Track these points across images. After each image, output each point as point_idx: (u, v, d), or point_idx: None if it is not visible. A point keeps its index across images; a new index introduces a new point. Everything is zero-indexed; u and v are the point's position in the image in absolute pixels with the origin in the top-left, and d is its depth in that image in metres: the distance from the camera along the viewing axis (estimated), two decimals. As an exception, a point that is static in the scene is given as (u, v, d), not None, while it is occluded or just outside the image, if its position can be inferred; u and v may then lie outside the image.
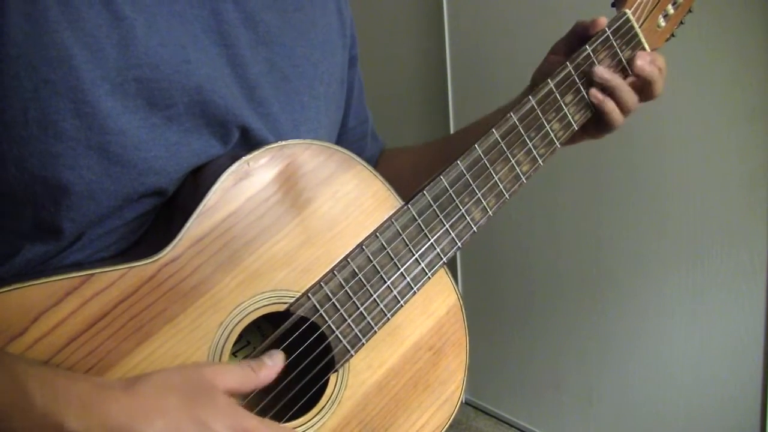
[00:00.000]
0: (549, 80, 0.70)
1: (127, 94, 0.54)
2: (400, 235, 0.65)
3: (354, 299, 0.63)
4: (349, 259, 0.62)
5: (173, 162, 0.57)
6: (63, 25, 0.51)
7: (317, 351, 0.62)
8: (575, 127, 0.73)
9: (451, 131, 1.90)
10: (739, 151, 1.34)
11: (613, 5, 0.76)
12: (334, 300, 0.62)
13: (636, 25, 0.74)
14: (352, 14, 0.80)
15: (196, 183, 0.58)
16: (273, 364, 0.57)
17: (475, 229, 0.68)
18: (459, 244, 0.68)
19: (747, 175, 1.33)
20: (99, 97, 0.53)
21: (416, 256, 0.66)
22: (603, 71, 0.72)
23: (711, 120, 1.35)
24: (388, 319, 0.65)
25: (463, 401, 2.06)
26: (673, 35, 0.79)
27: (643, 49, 0.76)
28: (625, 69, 0.74)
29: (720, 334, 1.44)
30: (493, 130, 0.68)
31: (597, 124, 0.75)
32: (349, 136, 0.83)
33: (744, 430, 1.44)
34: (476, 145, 0.67)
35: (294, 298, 0.60)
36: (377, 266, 0.64)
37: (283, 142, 0.59)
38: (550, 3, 1.56)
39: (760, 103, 1.28)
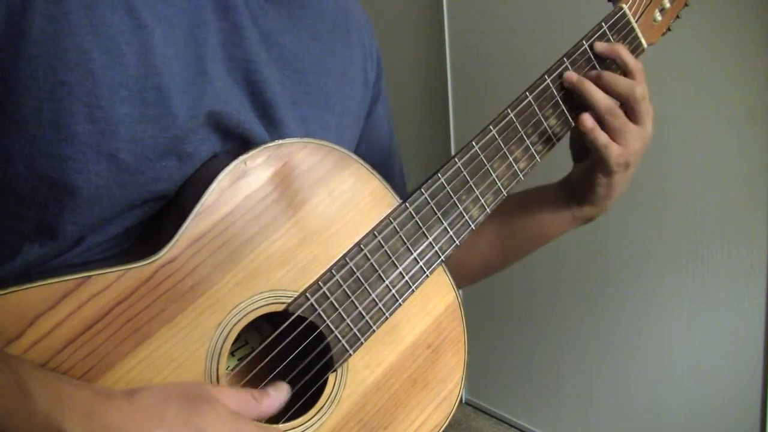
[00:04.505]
0: (546, 75, 0.70)
1: (145, 103, 0.54)
2: (398, 233, 0.64)
3: (352, 298, 0.63)
4: (347, 258, 0.62)
5: (182, 172, 0.57)
6: (86, 29, 0.51)
7: (316, 351, 0.62)
8: (572, 123, 0.72)
9: (451, 131, 1.90)
10: (739, 151, 1.34)
11: (609, 0, 0.76)
12: (332, 299, 0.62)
13: (632, 20, 0.74)
14: (378, 46, 0.79)
15: (194, 182, 0.58)
16: (277, 395, 0.57)
17: (473, 226, 0.68)
18: (457, 241, 0.68)
19: (747, 175, 1.33)
20: (114, 103, 0.53)
21: (414, 254, 0.65)
22: (571, 74, 0.70)
23: (711, 120, 1.35)
24: (387, 318, 0.65)
25: (463, 401, 2.06)
26: (669, 29, 0.79)
27: (640, 44, 0.75)
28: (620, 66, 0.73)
29: (720, 334, 1.44)
30: (490, 126, 0.68)
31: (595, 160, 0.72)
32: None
33: (744, 430, 1.43)
34: (473, 142, 0.67)
35: (292, 298, 0.60)
36: (375, 265, 0.63)
37: (280, 141, 0.59)
38: (550, 3, 1.56)
39: (760, 103, 1.28)
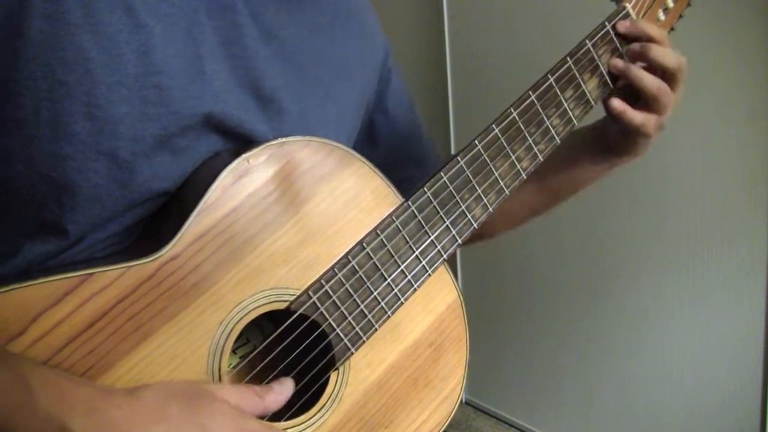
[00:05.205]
0: (549, 75, 0.70)
1: (146, 101, 0.54)
2: (401, 231, 0.64)
3: (355, 297, 0.63)
4: (349, 257, 0.62)
5: (180, 167, 0.58)
6: (84, 28, 0.51)
7: (318, 349, 0.62)
8: (575, 122, 0.72)
9: (451, 131, 1.90)
10: (739, 151, 1.34)
11: None
12: (334, 298, 0.62)
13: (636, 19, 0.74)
14: (382, 31, 0.80)
15: (196, 180, 0.58)
16: (281, 390, 0.57)
17: (475, 225, 0.68)
18: (459, 240, 0.67)
19: (747, 175, 1.33)
20: (113, 102, 0.53)
21: (416, 253, 0.65)
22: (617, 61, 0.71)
23: (711, 120, 1.35)
24: (389, 316, 0.64)
25: (463, 401, 2.06)
26: (672, 29, 0.79)
27: None
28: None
29: (720, 334, 1.44)
30: (493, 125, 0.68)
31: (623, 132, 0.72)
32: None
33: (744, 430, 1.43)
34: (476, 141, 0.67)
35: (294, 296, 0.60)
36: (378, 263, 0.63)
37: (283, 139, 0.59)
38: (550, 3, 1.56)
39: (760, 103, 1.28)
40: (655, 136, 0.73)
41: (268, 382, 0.60)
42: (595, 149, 0.78)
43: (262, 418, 0.59)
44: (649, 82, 0.69)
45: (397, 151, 0.81)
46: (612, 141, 0.76)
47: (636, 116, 0.70)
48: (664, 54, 0.69)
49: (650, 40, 0.70)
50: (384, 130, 0.80)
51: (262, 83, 0.62)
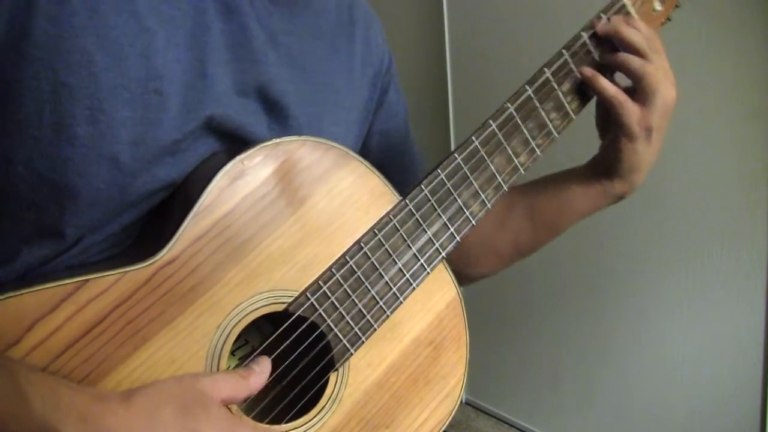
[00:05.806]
0: (545, 69, 0.70)
1: (146, 106, 0.54)
2: (398, 230, 0.64)
3: (353, 297, 0.62)
4: (347, 257, 0.62)
5: (179, 169, 0.57)
6: (89, 31, 0.51)
7: (317, 350, 0.62)
8: (573, 116, 0.72)
9: (451, 131, 1.90)
10: (739, 151, 1.33)
11: None
12: (332, 298, 0.61)
13: (632, 10, 0.73)
14: (385, 38, 0.80)
15: (192, 182, 0.58)
16: (261, 369, 0.57)
17: (474, 222, 0.68)
18: (458, 238, 0.67)
19: (747, 175, 1.33)
20: (115, 105, 0.52)
21: (414, 251, 0.65)
22: (585, 70, 0.71)
23: (711, 120, 1.35)
24: (388, 316, 0.64)
25: (463, 401, 2.06)
26: (669, 19, 0.79)
27: None
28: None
29: (720, 334, 1.44)
30: (490, 120, 0.67)
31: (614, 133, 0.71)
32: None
33: (744, 430, 1.43)
34: (473, 137, 0.67)
35: (292, 298, 0.60)
36: (375, 263, 0.63)
37: (278, 140, 0.59)
38: (550, 3, 1.56)
39: (760, 103, 1.28)
40: (644, 151, 0.72)
41: (266, 383, 0.59)
42: (586, 169, 0.78)
43: (259, 419, 0.59)
44: (634, 61, 0.69)
45: (383, 161, 0.80)
46: (603, 157, 0.75)
47: (608, 87, 0.69)
48: (629, 31, 0.69)
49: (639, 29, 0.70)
50: (372, 138, 0.80)
51: (271, 87, 0.62)
